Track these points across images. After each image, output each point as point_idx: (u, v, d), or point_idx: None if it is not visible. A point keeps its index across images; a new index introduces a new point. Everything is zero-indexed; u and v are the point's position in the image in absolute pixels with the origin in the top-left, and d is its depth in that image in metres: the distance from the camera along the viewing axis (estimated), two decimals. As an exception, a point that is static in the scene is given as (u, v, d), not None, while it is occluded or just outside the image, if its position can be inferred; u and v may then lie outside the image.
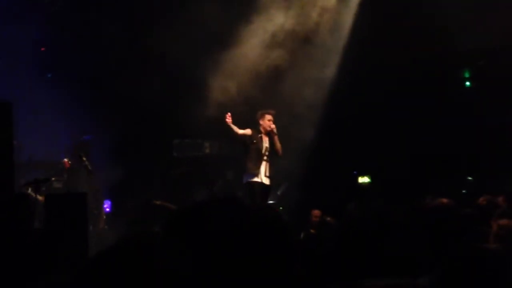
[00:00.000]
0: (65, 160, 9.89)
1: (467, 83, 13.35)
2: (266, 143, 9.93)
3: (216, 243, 2.39)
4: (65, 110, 11.43)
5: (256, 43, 11.71)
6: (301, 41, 11.93)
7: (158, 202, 11.29)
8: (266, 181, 9.90)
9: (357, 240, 3.14)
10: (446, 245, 3.79)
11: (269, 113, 9.96)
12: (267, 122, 9.90)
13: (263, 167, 9.85)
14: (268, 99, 11.19)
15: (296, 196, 12.02)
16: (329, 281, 3.24)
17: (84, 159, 9.96)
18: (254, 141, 9.83)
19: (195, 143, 13.14)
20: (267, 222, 2.66)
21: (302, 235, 8.35)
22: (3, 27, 11.49)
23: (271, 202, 11.04)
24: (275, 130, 9.88)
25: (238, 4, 11.60)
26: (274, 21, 11.74)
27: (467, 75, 13.32)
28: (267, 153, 9.90)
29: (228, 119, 9.73)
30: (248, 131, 9.88)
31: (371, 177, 13.57)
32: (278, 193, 12.20)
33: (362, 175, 13.56)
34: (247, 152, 9.90)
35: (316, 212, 8.97)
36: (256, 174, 9.78)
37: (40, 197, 7.98)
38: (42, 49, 11.97)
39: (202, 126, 11.89)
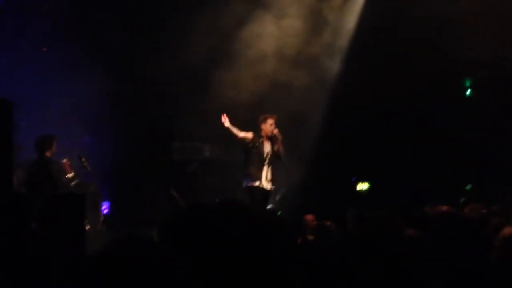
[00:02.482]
0: (65, 160, 9.83)
1: (468, 92, 13.35)
2: (267, 147, 9.90)
3: (217, 247, 2.36)
4: (63, 110, 11.42)
5: (258, 50, 11.81)
6: (303, 46, 12.00)
7: (174, 194, 11.33)
8: (268, 185, 9.88)
9: (360, 249, 3.12)
10: (449, 252, 3.77)
11: (271, 117, 9.93)
12: (269, 126, 9.87)
13: (265, 171, 9.83)
14: (270, 103, 11.22)
15: (295, 201, 12.00)
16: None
17: (83, 159, 9.93)
18: (256, 145, 9.81)
19: (195, 147, 13.10)
20: (271, 227, 2.63)
21: (299, 241, 8.30)
22: (5, 25, 11.47)
23: (270, 206, 11.01)
24: (278, 135, 9.84)
25: (242, 10, 11.67)
26: (274, 32, 11.87)
27: (468, 84, 13.32)
28: (268, 157, 9.88)
29: (225, 121, 9.76)
30: (249, 135, 9.86)
31: (370, 184, 13.55)
32: (277, 198, 12.17)
33: (361, 181, 13.53)
34: (248, 156, 9.86)
35: (310, 217, 8.91)
36: (258, 178, 9.76)
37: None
38: (44, 49, 11.94)
39: (202, 129, 11.90)
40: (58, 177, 9.26)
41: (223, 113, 9.83)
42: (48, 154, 9.34)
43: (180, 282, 1.75)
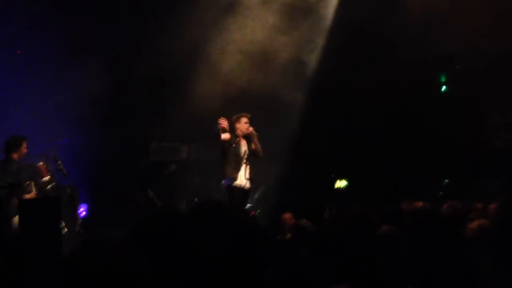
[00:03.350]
0: (41, 163, 9.75)
1: (444, 87, 13.44)
2: (244, 146, 9.88)
3: (188, 251, 2.36)
4: (39, 112, 11.33)
5: (234, 48, 11.87)
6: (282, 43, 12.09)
7: (151, 194, 11.29)
8: (247, 184, 9.85)
9: (336, 245, 3.13)
10: (425, 248, 3.80)
11: (244, 116, 9.92)
12: (244, 125, 9.85)
13: (243, 170, 9.80)
14: (246, 100, 11.23)
15: (273, 199, 12.01)
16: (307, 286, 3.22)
17: (59, 162, 9.87)
18: (233, 145, 9.77)
19: (172, 147, 13.06)
20: (243, 229, 2.62)
21: (278, 239, 8.32)
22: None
23: (248, 205, 11.01)
24: (254, 132, 9.84)
25: (216, 12, 11.72)
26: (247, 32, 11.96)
27: (443, 79, 13.41)
28: (246, 156, 9.86)
29: (223, 123, 9.61)
30: (227, 135, 9.80)
31: (348, 181, 13.58)
32: (256, 196, 12.17)
33: (340, 178, 13.57)
34: (226, 156, 9.80)
35: (288, 215, 8.93)
36: (235, 178, 9.73)
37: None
38: (18, 51, 11.82)
39: (179, 129, 11.90)
40: (19, 179, 8.78)
41: (220, 117, 9.68)
42: (15, 156, 9.14)
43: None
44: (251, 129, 9.83)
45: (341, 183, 13.44)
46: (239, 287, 2.33)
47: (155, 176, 12.68)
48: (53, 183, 9.72)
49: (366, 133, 12.61)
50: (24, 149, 9.30)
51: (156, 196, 11.60)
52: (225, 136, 9.71)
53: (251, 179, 9.90)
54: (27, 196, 8.68)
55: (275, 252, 4.56)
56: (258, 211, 11.57)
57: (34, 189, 9.25)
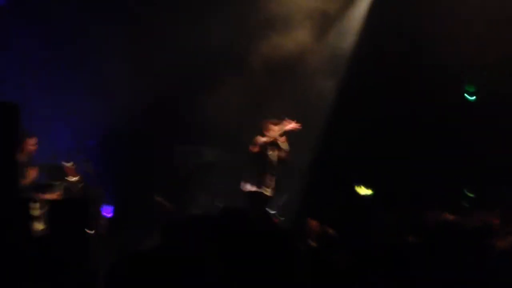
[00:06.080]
0: (69, 164, 9.86)
1: (471, 96, 13.33)
2: (274, 154, 9.82)
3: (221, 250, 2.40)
4: (68, 113, 11.43)
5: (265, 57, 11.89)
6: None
7: (158, 199, 11.33)
8: (268, 191, 9.85)
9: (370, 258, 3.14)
10: (453, 259, 3.79)
11: (272, 123, 9.83)
12: (273, 133, 9.75)
13: (270, 180, 9.79)
14: (272, 108, 11.24)
15: (297, 207, 11.98)
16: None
17: (89, 164, 9.97)
18: (265, 152, 9.72)
19: (196, 150, 13.06)
20: (272, 233, 2.66)
21: (302, 247, 8.31)
22: (10, 26, 11.47)
23: (272, 212, 11.00)
24: (284, 143, 9.74)
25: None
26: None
27: (470, 88, 13.30)
28: (275, 164, 9.83)
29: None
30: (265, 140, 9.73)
31: (373, 190, 13.49)
32: (280, 203, 12.16)
33: (364, 187, 13.49)
34: (258, 163, 9.73)
35: (314, 223, 8.92)
36: (264, 185, 9.72)
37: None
38: None
39: (203, 132, 11.95)
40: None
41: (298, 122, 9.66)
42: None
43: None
44: (282, 139, 9.68)
45: (366, 191, 13.35)
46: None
47: (178, 179, 12.72)
48: (81, 184, 9.82)
49: (391, 141, 12.56)
50: (30, 146, 9.17)
51: (166, 200, 11.62)
52: (264, 140, 9.67)
53: (274, 188, 9.88)
54: (48, 196, 8.75)
55: (299, 258, 4.58)
56: (282, 218, 11.54)
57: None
